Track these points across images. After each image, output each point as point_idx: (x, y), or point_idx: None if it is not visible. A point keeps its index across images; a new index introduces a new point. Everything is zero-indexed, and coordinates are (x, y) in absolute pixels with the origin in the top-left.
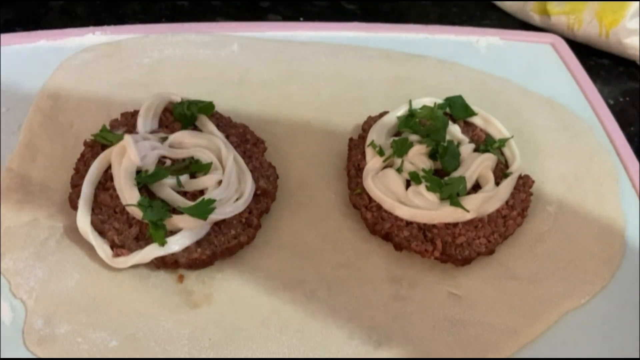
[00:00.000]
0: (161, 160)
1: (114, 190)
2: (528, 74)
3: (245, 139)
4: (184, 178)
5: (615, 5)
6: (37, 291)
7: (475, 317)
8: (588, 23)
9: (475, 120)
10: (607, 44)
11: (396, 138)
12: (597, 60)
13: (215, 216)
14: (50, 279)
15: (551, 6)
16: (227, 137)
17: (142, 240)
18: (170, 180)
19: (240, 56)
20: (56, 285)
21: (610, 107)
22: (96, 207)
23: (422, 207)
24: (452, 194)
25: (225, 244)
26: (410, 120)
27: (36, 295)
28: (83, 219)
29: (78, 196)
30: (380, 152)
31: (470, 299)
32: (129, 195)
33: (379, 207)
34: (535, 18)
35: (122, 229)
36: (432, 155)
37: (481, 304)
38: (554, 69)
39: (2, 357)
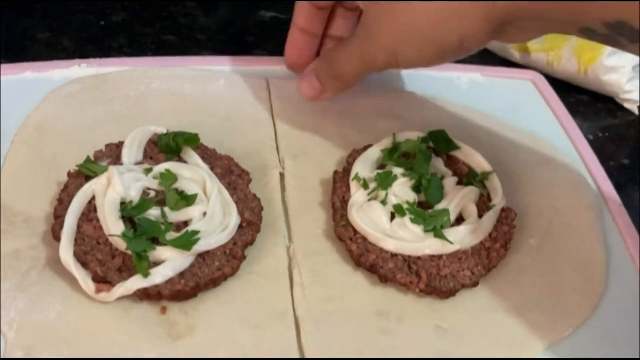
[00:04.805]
0: (145, 191)
1: (97, 221)
2: (509, 110)
3: (230, 171)
4: (167, 209)
5: (594, 42)
6: (17, 322)
7: (462, 350)
8: (567, 60)
9: (457, 153)
10: (585, 80)
11: (380, 171)
12: (576, 96)
13: (200, 247)
14: (31, 310)
15: (530, 43)
16: (212, 168)
17: (125, 271)
18: (154, 212)
19: (226, 91)
20: (37, 316)
21: (590, 142)
22: (79, 238)
23: (407, 239)
24: (436, 226)
25: (209, 276)
26: (394, 154)
27: (16, 326)
28: (66, 250)
29: (61, 227)
30: (365, 185)
31: (457, 332)
32: (113, 226)
33: (364, 239)
34: (515, 54)
35: (105, 260)
36: (416, 188)
37: (467, 337)
38: (534, 105)
39: None
